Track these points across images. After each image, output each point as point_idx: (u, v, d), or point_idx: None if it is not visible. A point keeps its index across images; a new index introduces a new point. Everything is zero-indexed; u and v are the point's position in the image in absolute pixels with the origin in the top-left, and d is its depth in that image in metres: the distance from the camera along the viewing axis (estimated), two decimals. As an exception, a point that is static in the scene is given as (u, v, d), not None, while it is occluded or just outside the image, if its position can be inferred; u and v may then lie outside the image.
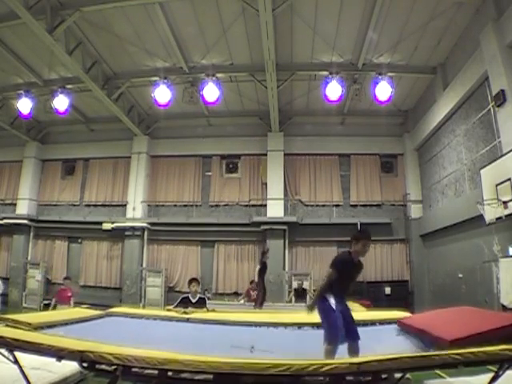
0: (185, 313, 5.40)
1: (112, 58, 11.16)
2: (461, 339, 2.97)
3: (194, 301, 6.46)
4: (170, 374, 2.83)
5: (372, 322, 4.50)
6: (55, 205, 15.14)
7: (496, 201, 7.17)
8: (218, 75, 10.99)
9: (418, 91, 12.45)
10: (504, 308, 7.24)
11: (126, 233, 13.75)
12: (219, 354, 3.15)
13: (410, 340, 3.51)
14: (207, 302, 6.76)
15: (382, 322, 4.41)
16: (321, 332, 4.15)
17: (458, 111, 10.24)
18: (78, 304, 8.78)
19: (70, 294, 9.32)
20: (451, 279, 10.28)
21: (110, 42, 10.31)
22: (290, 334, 4.25)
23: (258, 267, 9.34)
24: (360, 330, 4.30)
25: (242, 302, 10.54)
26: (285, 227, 13.02)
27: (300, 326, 4.48)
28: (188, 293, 6.67)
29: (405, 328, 3.88)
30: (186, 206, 14.20)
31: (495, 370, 2.81)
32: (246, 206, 13.80)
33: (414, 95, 12.71)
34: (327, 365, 2.36)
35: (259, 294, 9.03)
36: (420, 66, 11.12)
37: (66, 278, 10.11)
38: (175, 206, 14.30)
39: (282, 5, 8.43)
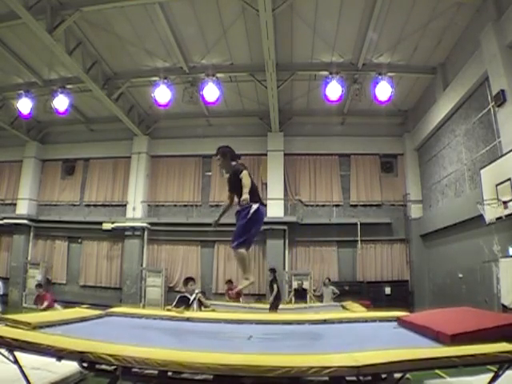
0: (186, 309, 5.43)
1: (112, 58, 11.17)
2: (462, 334, 2.97)
3: (191, 298, 6.52)
4: (170, 374, 2.83)
5: (372, 320, 4.51)
6: (55, 205, 15.15)
7: (496, 201, 7.18)
8: (218, 75, 11.00)
9: (417, 91, 12.46)
10: (504, 308, 7.24)
11: (126, 233, 13.76)
12: (217, 346, 3.18)
13: (410, 336, 3.51)
14: (202, 299, 6.82)
15: (382, 320, 4.41)
16: (322, 327, 4.18)
17: (458, 111, 10.25)
18: (78, 304, 8.77)
19: (45, 303, 9.09)
20: (451, 279, 10.29)
21: (110, 42, 10.32)
22: (289, 328, 4.26)
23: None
24: (360, 326, 4.34)
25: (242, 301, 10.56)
26: (285, 227, 13.02)
27: (300, 322, 4.49)
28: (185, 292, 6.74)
29: (405, 325, 3.89)
30: (185, 206, 14.21)
31: (495, 370, 2.81)
32: (246, 205, 13.78)
33: (414, 95, 12.71)
34: (327, 368, 2.38)
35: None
36: (420, 66, 11.13)
37: (37, 285, 9.86)
38: (175, 206, 14.31)
39: (282, 5, 8.44)
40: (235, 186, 4.16)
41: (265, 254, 13.12)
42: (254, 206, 3.90)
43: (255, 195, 3.99)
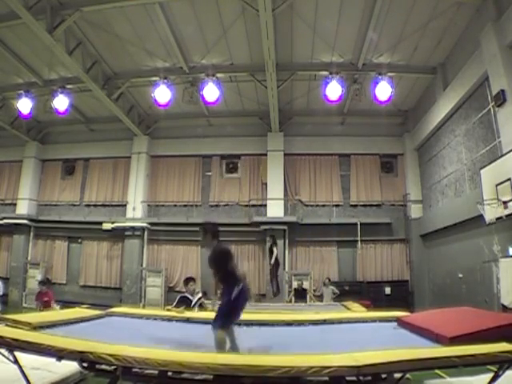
0: (186, 310, 5.43)
1: (112, 58, 11.17)
2: (460, 336, 2.98)
3: (193, 300, 6.48)
4: (170, 374, 2.84)
5: (372, 320, 4.52)
6: (55, 205, 15.15)
7: (496, 201, 7.17)
8: (218, 75, 10.99)
9: (417, 91, 12.46)
10: (504, 308, 7.24)
11: (126, 233, 13.76)
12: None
13: (409, 337, 3.52)
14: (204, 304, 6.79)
15: (382, 320, 4.42)
16: (322, 327, 4.19)
17: (458, 111, 10.24)
18: (78, 304, 8.76)
19: (46, 299, 9.00)
20: (451, 279, 10.28)
21: (110, 42, 10.32)
22: (289, 328, 4.27)
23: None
24: (360, 326, 4.35)
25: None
26: (285, 227, 13.01)
27: (300, 323, 4.50)
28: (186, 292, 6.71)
29: (405, 326, 3.89)
30: (185, 206, 14.21)
31: (495, 369, 2.81)
32: (246, 206, 13.79)
33: (414, 95, 12.71)
34: (327, 368, 2.38)
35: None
36: (420, 66, 11.12)
37: (40, 282, 9.78)
38: (175, 206, 14.31)
39: (282, 5, 8.43)
40: (215, 268, 3.98)
41: (265, 254, 13.09)
42: (237, 289, 3.74)
43: (236, 276, 3.83)
